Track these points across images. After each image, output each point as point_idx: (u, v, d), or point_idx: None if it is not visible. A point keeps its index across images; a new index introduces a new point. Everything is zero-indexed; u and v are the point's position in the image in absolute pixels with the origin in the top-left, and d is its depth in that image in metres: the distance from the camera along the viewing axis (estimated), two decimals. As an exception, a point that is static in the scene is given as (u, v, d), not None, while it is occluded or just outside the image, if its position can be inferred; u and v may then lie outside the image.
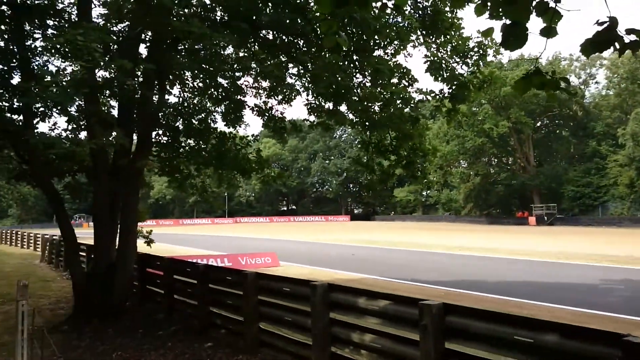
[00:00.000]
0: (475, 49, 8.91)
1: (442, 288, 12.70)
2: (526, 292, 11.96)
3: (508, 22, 2.40)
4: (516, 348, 4.16)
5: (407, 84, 9.09)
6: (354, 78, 9.05)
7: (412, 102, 8.96)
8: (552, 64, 61.86)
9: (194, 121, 11.09)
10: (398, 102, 9.01)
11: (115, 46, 8.32)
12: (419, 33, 9.04)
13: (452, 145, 61.53)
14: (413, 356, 4.88)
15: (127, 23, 8.79)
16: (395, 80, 9.05)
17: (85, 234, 17.71)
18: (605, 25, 2.30)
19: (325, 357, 5.88)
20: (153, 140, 10.57)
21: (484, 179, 66.51)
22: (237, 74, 10.10)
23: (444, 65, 8.77)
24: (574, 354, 3.78)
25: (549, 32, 2.38)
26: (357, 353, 5.61)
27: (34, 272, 18.31)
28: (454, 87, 8.97)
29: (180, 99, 11.69)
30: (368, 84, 9.28)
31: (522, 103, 57.82)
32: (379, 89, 9.03)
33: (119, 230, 10.16)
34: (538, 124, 66.65)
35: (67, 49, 6.19)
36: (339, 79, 7.74)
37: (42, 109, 8.83)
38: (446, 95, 9.22)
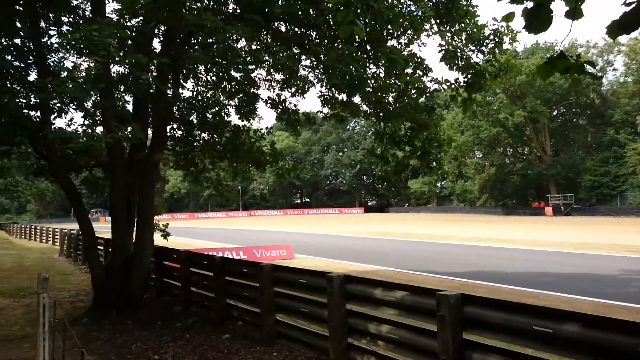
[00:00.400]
0: (491, 37, 8.78)
1: (457, 279, 12.65)
2: (543, 283, 11.85)
3: (531, 5, 2.34)
4: (535, 338, 4.13)
5: (421, 73, 9.00)
6: (368, 69, 8.98)
7: (426, 91, 8.88)
8: (568, 52, 60.80)
9: (208, 115, 11.13)
10: (412, 92, 8.93)
11: (129, 41, 8.35)
12: (433, 22, 8.93)
13: (466, 135, 60.95)
14: (431, 347, 4.86)
15: (140, 18, 8.82)
16: (409, 70, 8.96)
17: (102, 228, 17.96)
18: (633, 5, 2.24)
19: (342, 348, 5.89)
20: (168, 134, 10.63)
21: (499, 169, 65.86)
22: (250, 66, 10.10)
23: (459, 54, 8.65)
24: (595, 345, 3.74)
25: (574, 14, 2.31)
26: (374, 344, 5.61)
27: (54, 265, 18.62)
28: (469, 76, 8.86)
29: (194, 93, 11.74)
30: (382, 75, 9.22)
31: (537, 92, 57.03)
32: (393, 79, 8.96)
33: (135, 224, 10.27)
34: (554, 113, 65.71)
35: (82, 45, 6.23)
36: (353, 70, 7.69)
37: (58, 104, 8.93)
38: (461, 84, 9.12)
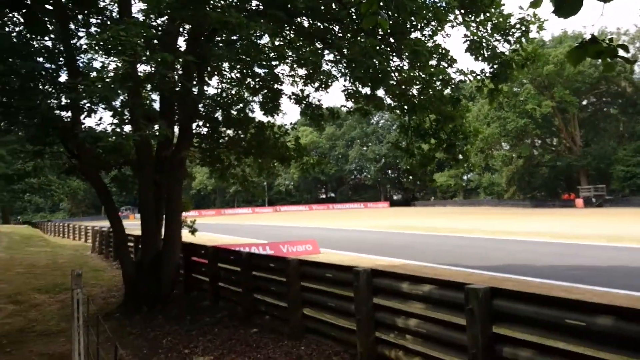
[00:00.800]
0: (518, 26, 8.60)
1: (486, 273, 12.50)
2: (574, 276, 11.61)
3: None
4: (568, 332, 4.06)
5: (446, 65, 8.88)
6: (391, 61, 8.91)
7: (451, 83, 8.76)
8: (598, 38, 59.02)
9: (232, 111, 11.22)
10: (437, 83, 8.82)
11: (155, 40, 8.48)
12: (457, 12, 8.79)
13: (492, 127, 59.88)
14: (460, 340, 4.83)
15: (166, 17, 8.94)
16: (433, 62, 8.85)
17: (132, 225, 18.32)
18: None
19: (369, 342, 5.90)
20: (194, 131, 10.77)
21: (527, 161, 64.58)
22: (273, 62, 10.13)
23: (484, 44, 8.49)
24: (630, 339, 3.65)
25: (605, -5, 2.23)
26: (402, 338, 5.60)
27: (86, 262, 19.10)
28: (495, 67, 8.70)
29: (219, 90, 11.85)
30: (406, 67, 9.13)
31: (566, 81, 55.63)
32: (417, 71, 8.87)
33: (164, 221, 10.45)
34: (584, 103, 63.98)
35: (111, 45, 6.36)
36: (376, 63, 7.64)
37: (88, 104, 9.14)
38: (487, 75, 8.96)
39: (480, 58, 8.65)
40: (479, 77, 9.03)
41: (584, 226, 27.14)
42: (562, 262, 14.17)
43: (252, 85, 11.43)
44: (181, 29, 9.86)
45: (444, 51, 8.84)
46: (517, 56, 8.75)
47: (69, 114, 9.79)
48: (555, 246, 18.26)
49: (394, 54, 8.98)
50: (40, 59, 9.54)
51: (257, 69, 10.65)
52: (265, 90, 11.27)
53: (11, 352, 7.48)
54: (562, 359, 4.06)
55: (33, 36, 9.54)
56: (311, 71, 9.96)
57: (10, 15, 8.41)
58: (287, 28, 9.77)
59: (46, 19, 7.37)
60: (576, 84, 56.88)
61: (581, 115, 62.65)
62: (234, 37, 9.12)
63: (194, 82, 8.57)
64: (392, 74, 8.91)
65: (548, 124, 60.98)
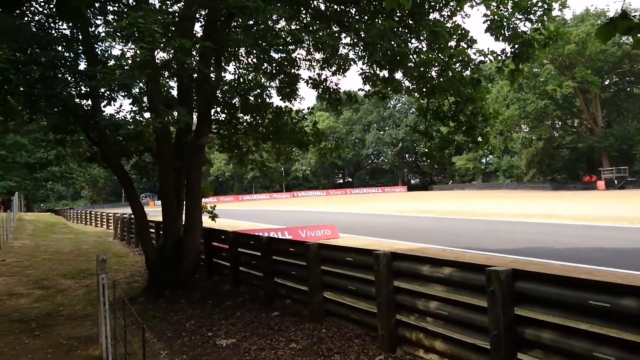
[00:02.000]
0: (539, 4, 8.39)
1: (506, 256, 12.42)
2: (597, 259, 11.48)
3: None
4: (591, 313, 4.02)
5: (465, 46, 8.73)
6: (410, 44, 8.79)
7: (472, 64, 8.61)
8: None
9: (250, 97, 11.23)
10: (457, 65, 8.69)
11: (172, 27, 8.49)
12: (477, -9, 8.62)
13: (512, 109, 58.94)
14: (481, 322, 4.82)
15: (182, 2, 8.94)
16: (452, 43, 8.71)
17: (152, 211, 18.58)
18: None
19: (390, 325, 5.92)
20: (212, 117, 10.81)
21: (547, 143, 63.56)
22: (290, 47, 10.08)
23: (505, 24, 8.32)
24: (656, 319, 3.61)
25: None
26: (423, 320, 5.62)
27: (109, 248, 19.47)
28: (516, 46, 8.52)
29: (236, 76, 11.86)
30: (424, 49, 9.00)
31: (588, 61, 54.34)
32: (436, 53, 8.74)
33: (184, 206, 10.57)
34: (606, 83, 62.50)
35: (129, 32, 6.39)
36: (395, 45, 7.54)
37: (107, 92, 9.22)
38: (508, 55, 8.79)
39: (500, 38, 8.48)
40: (499, 58, 8.86)
41: (605, 208, 26.72)
42: (583, 245, 14.00)
43: (269, 71, 11.41)
44: (198, 15, 9.85)
45: (463, 32, 8.68)
46: (539, 35, 8.55)
47: (89, 102, 9.90)
48: (577, 228, 18.04)
49: (413, 35, 8.86)
50: (60, 48, 9.62)
51: (273, 54, 10.62)
52: (282, 75, 11.24)
53: (40, 335, 7.69)
54: (586, 341, 4.03)
55: (52, 25, 9.63)
56: (328, 55, 9.89)
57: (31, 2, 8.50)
58: (304, 11, 9.70)
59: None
60: (598, 64, 55.52)
61: (603, 96, 61.25)
62: (251, 22, 9.09)
63: (212, 68, 8.57)
64: (411, 56, 8.79)
65: (569, 105, 59.78)
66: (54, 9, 8.60)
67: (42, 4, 8.90)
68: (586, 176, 61.83)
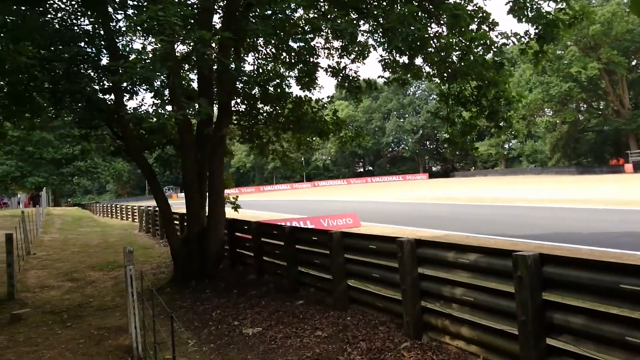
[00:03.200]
0: (564, -17, 8.18)
1: (532, 242, 12.26)
2: (626, 243, 11.24)
3: None
4: (622, 297, 3.94)
5: (487, 28, 8.55)
6: (429, 28, 8.66)
7: (494, 46, 8.45)
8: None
9: (269, 87, 11.25)
10: (479, 48, 8.53)
11: (191, 19, 8.53)
12: (498, -28, 8.42)
13: (535, 93, 57.75)
14: (508, 308, 4.77)
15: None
16: (474, 26, 8.54)
17: (175, 204, 18.82)
18: None
19: (416, 312, 5.91)
20: (232, 109, 10.87)
21: (572, 126, 62.24)
22: (308, 35, 10.04)
23: (528, 4, 8.12)
24: (691, 302, 3.52)
25: None
26: (449, 307, 5.59)
27: (135, 240, 19.82)
28: (540, 27, 8.31)
29: (255, 67, 11.88)
30: (445, 33, 8.86)
31: (614, 41, 52.82)
32: (457, 36, 8.59)
33: (207, 197, 10.68)
34: (633, 63, 60.72)
35: (149, 26, 6.44)
36: (414, 30, 7.43)
37: (129, 86, 9.34)
38: (532, 36, 8.59)
39: (523, 19, 8.27)
40: (522, 40, 8.66)
41: (634, 192, 26.09)
42: (612, 229, 13.72)
43: (287, 60, 11.40)
44: (216, 6, 9.87)
45: (485, 14, 8.51)
46: (564, 15, 8.33)
47: (112, 96, 10.04)
48: (605, 213, 17.68)
49: (433, 20, 8.72)
50: (82, 44, 9.76)
51: (292, 43, 10.60)
52: (301, 65, 11.22)
53: (72, 326, 7.90)
54: (616, 325, 3.96)
55: (74, 21, 9.77)
56: (347, 42, 9.81)
57: None
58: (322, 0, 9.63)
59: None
60: (625, 44, 53.96)
61: (630, 77, 59.53)
62: (269, 12, 9.08)
63: (231, 59, 8.59)
64: (431, 41, 8.67)
65: (594, 87, 58.27)
66: (79, 2, 8.72)
67: (65, 1, 9.02)
68: (613, 159, 60.45)
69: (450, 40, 8.82)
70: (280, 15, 8.41)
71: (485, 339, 5.09)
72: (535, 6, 8.23)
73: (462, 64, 8.93)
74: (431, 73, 10.14)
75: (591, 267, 4.18)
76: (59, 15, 9.43)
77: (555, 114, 63.05)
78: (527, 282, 4.44)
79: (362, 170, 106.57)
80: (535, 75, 57.33)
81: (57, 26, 9.26)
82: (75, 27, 9.65)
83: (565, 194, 27.65)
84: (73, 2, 9.33)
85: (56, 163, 51.44)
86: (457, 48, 9.01)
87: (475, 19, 8.67)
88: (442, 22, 8.77)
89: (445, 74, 9.42)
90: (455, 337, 5.48)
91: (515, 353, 4.63)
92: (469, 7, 8.55)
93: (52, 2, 8.87)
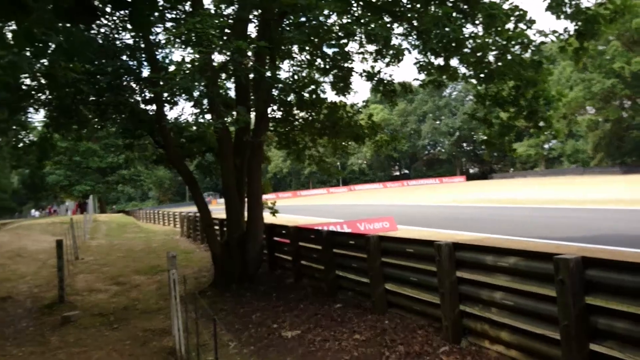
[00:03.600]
0: (604, -23, 7.96)
1: (574, 244, 11.92)
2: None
3: None
4: (672, 302, 3.83)
5: (524, 27, 8.41)
6: (465, 29, 8.59)
7: (532, 45, 8.29)
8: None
9: (304, 94, 11.37)
10: (516, 47, 8.39)
11: (227, 30, 8.75)
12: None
13: (576, 91, 56.00)
14: (549, 312, 4.69)
15: (236, 4, 9.18)
16: (511, 25, 8.43)
17: (215, 209, 19.20)
18: None
19: (454, 315, 5.87)
20: (269, 115, 11.05)
21: (615, 124, 59.98)
22: (342, 41, 10.12)
23: (566, 1, 7.95)
24: None
25: None
26: (488, 310, 5.53)
27: (177, 245, 20.32)
28: (580, 23, 8.11)
29: (290, 73, 12.03)
30: (480, 33, 8.77)
31: (659, 34, 50.72)
32: (493, 36, 8.49)
33: (246, 202, 10.88)
34: (680, 56, 58.06)
35: (187, 38, 6.67)
36: (449, 31, 7.39)
37: (170, 97, 9.64)
38: (571, 33, 8.39)
39: (562, 16, 8.10)
40: (562, 37, 8.47)
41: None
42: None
43: (322, 66, 11.49)
44: (251, 16, 10.08)
45: (521, 12, 8.37)
46: (604, 10, 8.11)
47: (154, 107, 10.39)
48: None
49: (468, 20, 8.65)
50: (124, 57, 10.16)
51: (326, 49, 10.69)
52: (336, 70, 11.29)
53: (118, 328, 8.21)
54: (664, 330, 3.85)
55: (117, 36, 10.17)
56: (382, 46, 9.83)
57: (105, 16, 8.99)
58: (355, 4, 9.69)
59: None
60: (672, 36, 51.70)
61: (678, 70, 56.92)
62: (303, 19, 9.20)
63: (267, 67, 8.77)
64: (467, 42, 8.60)
65: (639, 83, 56.03)
66: (126, 20, 9.08)
67: (109, 17, 9.41)
68: (662, 158, 57.91)
69: (487, 40, 8.72)
70: (314, 22, 8.52)
71: (525, 344, 5.01)
72: (574, 2, 8.05)
73: (499, 64, 8.82)
74: (467, 74, 10.03)
75: (635, 270, 4.08)
76: (102, 30, 9.84)
77: (598, 111, 60.89)
78: (569, 285, 4.36)
79: (398, 173, 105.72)
80: (576, 73, 55.65)
81: (100, 41, 9.66)
82: (118, 42, 10.05)
83: (609, 195, 26.67)
84: (115, 18, 9.71)
85: (101, 172, 53.41)
86: (493, 48, 8.90)
87: (512, 18, 8.55)
88: (477, 22, 8.69)
89: (482, 75, 9.31)
90: (495, 341, 5.42)
91: (557, 358, 4.55)
92: (505, 6, 8.44)
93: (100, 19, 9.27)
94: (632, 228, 14.07)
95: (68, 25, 8.27)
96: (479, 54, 8.89)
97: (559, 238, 13.05)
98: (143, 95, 10.26)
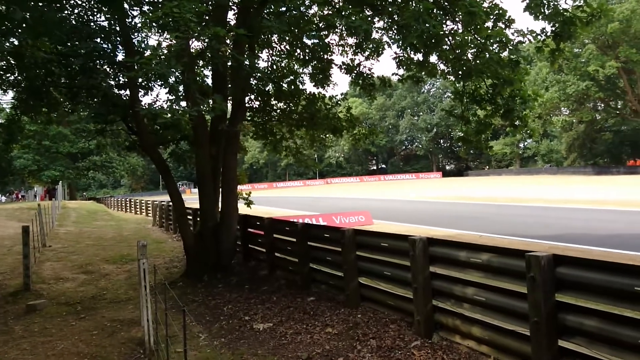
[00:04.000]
0: (582, -21, 8.05)
1: (545, 242, 12.14)
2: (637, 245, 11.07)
3: None
4: (637, 300, 3.89)
5: (503, 26, 8.47)
6: (445, 25, 8.59)
7: (510, 44, 8.36)
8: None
9: (283, 84, 11.27)
10: (494, 46, 8.45)
11: (206, 16, 8.57)
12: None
13: (551, 91, 57.04)
14: (520, 309, 4.74)
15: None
16: (490, 24, 8.47)
17: (188, 199, 18.94)
18: None
19: (427, 310, 5.89)
20: (246, 105, 10.90)
21: (588, 126, 61.46)
22: (322, 32, 10.03)
23: (545, 1, 8.02)
24: None
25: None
26: (460, 306, 5.56)
27: (149, 235, 20.01)
28: (557, 25, 8.20)
29: (269, 63, 11.90)
30: (460, 30, 8.79)
31: (632, 39, 51.91)
32: (472, 34, 8.52)
33: (221, 192, 10.74)
34: (653, 61, 59.63)
35: (164, 22, 6.48)
36: (429, 27, 7.38)
37: (144, 82, 9.41)
38: (549, 34, 8.48)
39: (540, 17, 8.17)
40: (539, 37, 8.56)
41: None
42: (628, 231, 13.53)
43: (301, 57, 11.39)
44: (230, 3, 9.89)
45: (501, 11, 8.41)
46: (581, 12, 8.21)
47: (127, 92, 10.14)
48: (621, 214, 17.44)
49: (448, 17, 8.65)
50: (98, 40, 9.87)
51: (306, 40, 10.60)
52: (315, 61, 11.21)
53: (85, 317, 8.01)
54: (631, 328, 3.91)
55: (91, 17, 9.87)
56: (362, 39, 9.78)
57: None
58: (336, -4, 9.60)
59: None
60: (644, 42, 52.98)
61: (650, 76, 58.50)
62: (283, 8, 9.08)
63: (245, 56, 8.62)
64: (446, 39, 8.61)
65: (612, 86, 57.37)
66: (101, 0, 8.82)
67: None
68: (630, 160, 59.58)
69: (466, 37, 8.74)
70: (294, 12, 8.41)
71: (496, 340, 5.05)
72: (552, 3, 8.12)
73: (478, 61, 8.85)
74: (446, 71, 10.06)
75: (605, 268, 4.13)
76: (76, 11, 9.54)
77: (572, 113, 62.25)
78: (540, 283, 4.40)
79: (375, 168, 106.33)
80: (552, 74, 56.68)
81: (73, 22, 9.36)
82: (92, 24, 9.75)
83: (581, 195, 27.32)
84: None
85: (72, 157, 52.18)
86: (472, 45, 8.94)
87: (492, 16, 8.59)
88: (457, 19, 8.70)
89: (460, 72, 9.34)
90: (466, 336, 5.46)
91: (527, 354, 4.59)
92: (485, 4, 8.47)
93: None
94: (601, 227, 14.40)
95: (40, 4, 7.99)
96: (458, 51, 8.92)
97: (531, 236, 13.27)
98: (117, 79, 10.00)
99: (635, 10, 49.27)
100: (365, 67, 11.49)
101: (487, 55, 8.45)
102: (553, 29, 8.39)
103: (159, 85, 8.58)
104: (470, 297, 5.40)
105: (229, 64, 8.25)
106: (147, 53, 8.30)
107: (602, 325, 4.07)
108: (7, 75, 9.35)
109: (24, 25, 6.97)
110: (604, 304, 4.14)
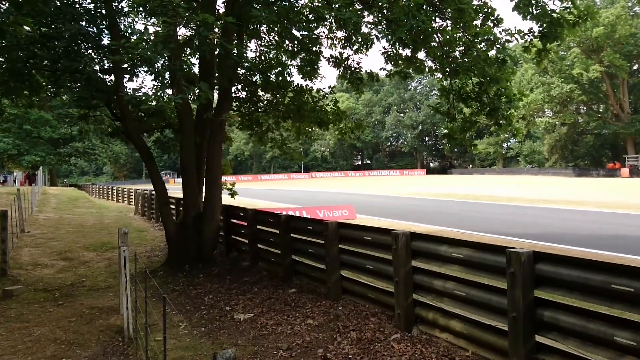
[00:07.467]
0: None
1: (526, 241, 12.30)
2: (619, 246, 11.28)
3: None
4: (613, 297, 3.96)
5: (492, 24, 8.52)
6: (433, 22, 8.62)
7: (497, 43, 8.42)
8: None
9: (270, 75, 11.19)
10: (482, 44, 8.50)
11: (194, 2, 8.46)
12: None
13: (536, 93, 57.70)
14: (499, 304, 4.80)
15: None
16: (478, 22, 8.51)
17: (172, 189, 18.80)
18: None
19: (407, 304, 5.94)
20: (233, 95, 10.82)
21: (571, 128, 62.33)
22: (312, 24, 9.98)
23: (533, 2, 8.08)
24: (681, 305, 3.54)
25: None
26: (440, 300, 5.61)
27: (130, 223, 19.80)
28: (544, 25, 8.28)
29: (257, 54, 11.82)
30: (449, 28, 8.82)
31: (616, 44, 52.74)
32: (461, 31, 8.56)
33: (204, 182, 10.66)
34: (634, 67, 60.70)
35: (152, 7, 6.38)
36: (418, 22, 7.39)
37: (130, 67, 9.26)
38: (536, 34, 8.56)
39: (528, 17, 8.24)
40: (526, 37, 8.63)
41: (629, 196, 26.19)
42: (606, 232, 13.78)
43: (290, 48, 11.33)
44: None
45: (490, 10, 8.47)
46: (569, 14, 8.30)
47: (112, 77, 9.98)
48: (599, 215, 17.74)
49: (437, 13, 8.68)
50: (83, 23, 9.67)
51: (295, 32, 10.52)
52: (304, 54, 11.16)
53: (63, 304, 7.91)
54: (606, 324, 3.98)
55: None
56: (351, 33, 9.76)
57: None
58: (327, -12, 9.55)
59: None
60: (627, 48, 53.88)
61: (631, 81, 59.55)
62: (273, -1, 9.00)
63: (234, 44, 8.54)
64: (435, 35, 8.63)
65: (595, 90, 58.28)
66: None
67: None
68: (610, 163, 60.64)
69: (454, 34, 8.78)
70: (284, 3, 8.35)
71: (474, 334, 5.12)
72: (540, 4, 8.19)
73: (465, 59, 8.90)
74: (433, 67, 10.10)
75: (584, 266, 4.19)
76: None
77: (555, 115, 63.09)
78: (519, 278, 4.45)
79: (360, 163, 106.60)
80: (537, 76, 57.32)
81: (58, 3, 9.16)
82: (77, 5, 9.56)
83: (562, 195, 27.73)
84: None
85: (54, 143, 51.27)
86: (460, 43, 8.98)
87: (480, 14, 8.64)
88: (446, 15, 8.73)
89: (447, 69, 9.38)
90: (445, 330, 5.51)
91: (504, 349, 4.66)
92: (475, 2, 8.51)
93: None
94: (581, 227, 14.64)
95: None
96: (445, 48, 8.95)
97: (513, 234, 13.43)
98: (102, 64, 9.82)
99: (620, 16, 50.06)
100: (353, 61, 11.51)
101: (475, 53, 8.50)
102: (540, 29, 8.47)
103: (144, 71, 8.42)
104: (451, 292, 5.45)
105: (217, 52, 8.17)
106: (134, 38, 8.16)
107: (578, 321, 4.13)
108: (-12, 55, 9.13)
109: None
110: (582, 301, 4.21)
